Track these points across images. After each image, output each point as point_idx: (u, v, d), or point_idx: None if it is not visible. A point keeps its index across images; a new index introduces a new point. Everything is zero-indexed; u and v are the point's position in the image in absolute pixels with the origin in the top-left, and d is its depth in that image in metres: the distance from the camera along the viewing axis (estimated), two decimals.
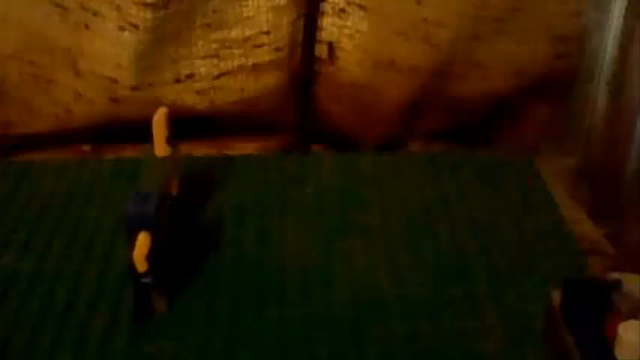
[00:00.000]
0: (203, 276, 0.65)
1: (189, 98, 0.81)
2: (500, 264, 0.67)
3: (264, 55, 0.79)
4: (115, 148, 0.83)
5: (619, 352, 0.53)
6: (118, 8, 0.74)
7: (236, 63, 0.80)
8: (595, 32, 0.82)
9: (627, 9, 0.81)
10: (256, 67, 0.80)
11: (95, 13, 0.76)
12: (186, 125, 0.79)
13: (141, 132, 0.67)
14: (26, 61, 0.80)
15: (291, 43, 0.80)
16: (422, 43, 0.78)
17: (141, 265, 0.58)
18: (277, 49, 0.79)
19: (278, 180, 0.76)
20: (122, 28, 0.75)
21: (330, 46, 0.81)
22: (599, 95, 0.84)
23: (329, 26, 0.80)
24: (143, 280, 0.59)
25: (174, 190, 0.68)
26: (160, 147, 0.66)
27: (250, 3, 0.77)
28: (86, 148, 0.84)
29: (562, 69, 0.82)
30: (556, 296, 0.57)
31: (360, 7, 0.78)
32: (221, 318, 0.61)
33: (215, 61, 0.79)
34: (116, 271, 0.65)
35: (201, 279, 0.65)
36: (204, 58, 0.79)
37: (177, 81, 0.80)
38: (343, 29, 0.79)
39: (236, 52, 0.79)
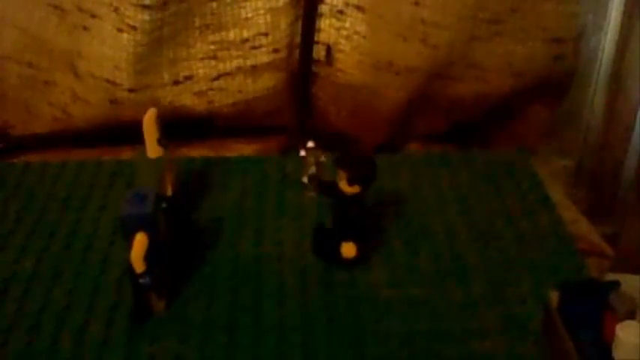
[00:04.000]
0: (201, 277, 0.65)
1: (188, 100, 0.81)
2: (497, 264, 0.67)
3: (263, 57, 0.80)
4: (114, 149, 0.83)
5: (617, 352, 0.53)
6: (116, 10, 0.75)
7: (234, 64, 0.80)
8: (592, 34, 0.83)
9: (624, 10, 0.81)
10: (254, 69, 0.80)
11: (93, 15, 0.76)
12: (185, 127, 0.80)
13: (139, 133, 0.67)
14: (25, 63, 0.80)
15: (290, 45, 0.80)
16: (420, 45, 0.78)
17: (138, 266, 0.58)
18: (275, 51, 0.80)
19: (276, 181, 0.76)
20: (120, 30, 0.75)
21: (328, 49, 0.81)
22: (597, 96, 0.85)
23: (327, 28, 0.80)
24: (141, 280, 0.59)
25: (169, 191, 0.68)
26: (152, 148, 0.66)
27: (248, 5, 0.77)
28: None
29: (559, 70, 0.82)
30: (554, 297, 0.57)
31: (358, 8, 0.78)
32: (219, 318, 0.61)
33: (213, 63, 0.79)
34: (115, 272, 0.65)
35: (199, 280, 0.65)
36: (202, 59, 0.79)
37: (176, 82, 0.80)
38: (341, 31, 0.80)
39: (234, 53, 0.79)
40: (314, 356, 0.58)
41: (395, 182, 0.76)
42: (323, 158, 0.66)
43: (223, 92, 0.81)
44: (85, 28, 0.77)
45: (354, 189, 0.62)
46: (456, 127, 0.86)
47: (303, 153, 0.65)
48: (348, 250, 0.64)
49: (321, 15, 0.79)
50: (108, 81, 0.78)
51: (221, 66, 0.80)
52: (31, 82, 0.81)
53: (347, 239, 0.64)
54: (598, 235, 0.75)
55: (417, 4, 0.76)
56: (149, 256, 0.58)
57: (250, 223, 0.71)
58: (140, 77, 0.78)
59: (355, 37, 0.79)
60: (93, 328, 0.60)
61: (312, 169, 0.66)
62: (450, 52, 0.79)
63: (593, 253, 0.72)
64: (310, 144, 0.66)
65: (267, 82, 0.81)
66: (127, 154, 0.81)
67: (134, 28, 0.75)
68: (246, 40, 0.79)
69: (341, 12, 0.79)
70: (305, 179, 0.66)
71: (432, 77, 0.80)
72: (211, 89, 0.81)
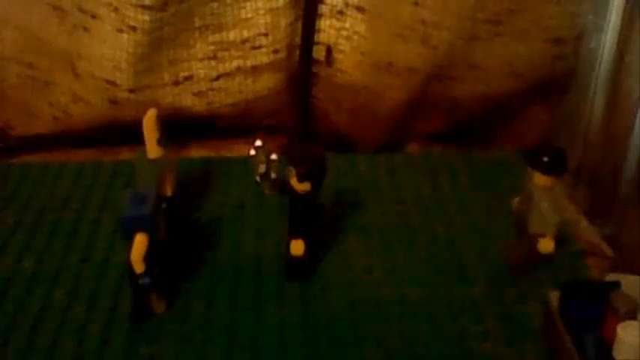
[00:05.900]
0: (201, 277, 0.65)
1: (188, 100, 0.81)
2: (498, 265, 0.67)
3: (263, 57, 0.79)
4: (114, 150, 0.83)
5: (618, 352, 0.53)
6: (116, 10, 0.75)
7: (234, 65, 0.80)
8: (592, 34, 0.83)
9: (624, 10, 0.81)
10: (254, 69, 0.80)
11: (93, 16, 0.76)
12: (185, 127, 0.80)
13: (139, 133, 0.67)
14: (25, 63, 0.80)
15: (289, 45, 0.80)
16: (420, 45, 0.78)
17: (138, 266, 0.58)
18: (275, 51, 0.80)
19: None
20: (120, 30, 0.75)
21: (328, 50, 0.81)
22: (597, 97, 0.85)
23: (327, 28, 0.80)
24: (141, 281, 0.59)
25: (169, 191, 0.68)
26: (152, 148, 0.66)
27: (248, 5, 0.77)
28: None
29: (559, 70, 0.82)
30: (554, 297, 0.57)
31: (358, 9, 0.78)
32: (219, 318, 0.61)
33: (213, 63, 0.79)
34: (115, 273, 0.65)
35: (199, 280, 0.65)
36: (202, 60, 0.79)
37: (176, 83, 0.80)
38: (341, 31, 0.80)
39: (234, 54, 0.79)
40: (314, 356, 0.58)
41: (395, 182, 0.77)
42: (274, 156, 0.65)
43: (223, 92, 0.81)
44: (85, 29, 0.77)
45: (305, 186, 0.61)
46: (456, 127, 0.86)
47: (252, 152, 0.65)
48: (297, 247, 0.63)
49: (321, 15, 0.79)
50: (108, 81, 0.78)
51: (221, 66, 0.80)
52: (31, 83, 0.81)
53: (296, 237, 0.63)
54: (598, 235, 0.75)
55: (417, 4, 0.76)
56: (149, 257, 0.58)
57: (250, 223, 0.71)
58: (140, 78, 0.78)
59: (355, 37, 0.79)
60: (93, 328, 0.60)
61: (262, 168, 0.66)
62: (450, 53, 0.79)
63: (594, 253, 0.72)
64: (258, 142, 0.66)
65: (267, 82, 0.81)
66: (126, 154, 0.81)
67: (134, 28, 0.75)
68: (246, 40, 0.79)
69: (341, 12, 0.79)
70: (257, 178, 0.65)
71: (431, 78, 0.80)
72: (211, 89, 0.81)
